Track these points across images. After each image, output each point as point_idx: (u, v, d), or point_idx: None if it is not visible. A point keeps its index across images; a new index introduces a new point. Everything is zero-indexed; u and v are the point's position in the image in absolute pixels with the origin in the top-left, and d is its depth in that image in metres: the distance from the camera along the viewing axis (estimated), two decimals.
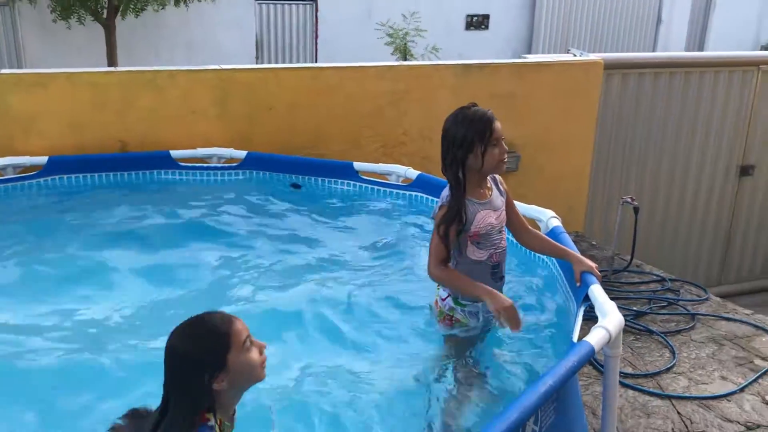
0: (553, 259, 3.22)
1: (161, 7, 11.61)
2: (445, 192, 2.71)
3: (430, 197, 4.14)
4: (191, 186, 4.57)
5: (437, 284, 2.82)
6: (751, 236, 6.90)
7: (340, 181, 4.55)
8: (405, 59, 14.76)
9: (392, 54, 14.94)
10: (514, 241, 3.05)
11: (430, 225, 2.87)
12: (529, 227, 2.97)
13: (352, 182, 4.51)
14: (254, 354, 1.91)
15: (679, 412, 3.33)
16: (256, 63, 15.20)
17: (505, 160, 2.70)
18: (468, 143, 2.60)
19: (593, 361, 3.56)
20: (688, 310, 4.40)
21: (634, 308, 4.40)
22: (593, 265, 2.79)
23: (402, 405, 2.59)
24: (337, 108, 5.00)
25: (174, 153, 4.62)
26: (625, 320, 4.06)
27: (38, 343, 2.90)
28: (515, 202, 3.00)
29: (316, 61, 15.84)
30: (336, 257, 3.76)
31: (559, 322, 2.88)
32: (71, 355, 2.81)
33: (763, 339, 4.06)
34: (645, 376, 3.63)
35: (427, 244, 2.76)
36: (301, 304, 3.22)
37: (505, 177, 5.25)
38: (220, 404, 1.89)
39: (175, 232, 4.02)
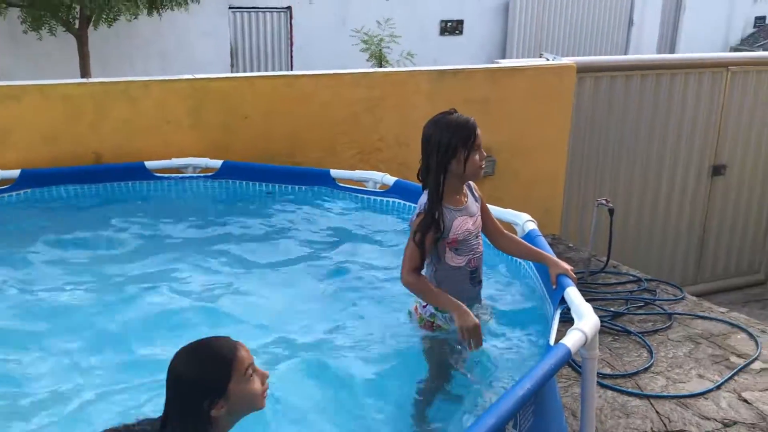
0: (530, 262, 3.24)
1: (134, 17, 11.52)
2: (423, 199, 2.72)
3: (408, 203, 4.15)
4: (166, 196, 4.54)
5: None
6: (725, 234, 7.00)
7: (317, 188, 4.55)
8: (380, 65, 14.80)
9: (368, 60, 14.98)
10: (490, 245, 3.06)
11: (407, 231, 2.88)
12: (504, 231, 3.00)
13: (329, 189, 4.51)
14: (256, 383, 1.91)
15: (657, 412, 3.36)
16: (231, 71, 15.16)
17: (484, 166, 2.73)
18: (452, 148, 2.62)
19: (572, 362, 3.59)
20: (664, 310, 4.45)
21: (612, 309, 4.44)
22: (569, 267, 2.82)
23: (380, 406, 2.60)
24: (313, 115, 5.00)
25: (149, 164, 4.59)
26: (603, 321, 4.15)
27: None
28: (491, 206, 3.03)
29: (291, 69, 15.83)
30: (312, 265, 3.76)
31: (537, 325, 2.90)
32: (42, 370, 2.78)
33: (738, 336, 4.12)
34: (624, 376, 3.66)
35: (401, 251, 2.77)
36: (278, 311, 3.21)
37: (481, 181, 5.27)
38: (215, 429, 1.88)
39: (150, 242, 3.99)
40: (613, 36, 18.85)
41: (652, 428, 3.24)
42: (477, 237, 2.82)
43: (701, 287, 6.78)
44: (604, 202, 4.81)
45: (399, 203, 4.29)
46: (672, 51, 19.93)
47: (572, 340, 2.26)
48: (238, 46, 15.81)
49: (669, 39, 20.36)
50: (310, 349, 2.93)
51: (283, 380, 2.52)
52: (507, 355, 2.74)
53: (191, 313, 3.17)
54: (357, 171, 4.60)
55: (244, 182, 4.61)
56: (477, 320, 2.59)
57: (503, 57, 17.20)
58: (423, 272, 2.72)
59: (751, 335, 4.10)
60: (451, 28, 17.41)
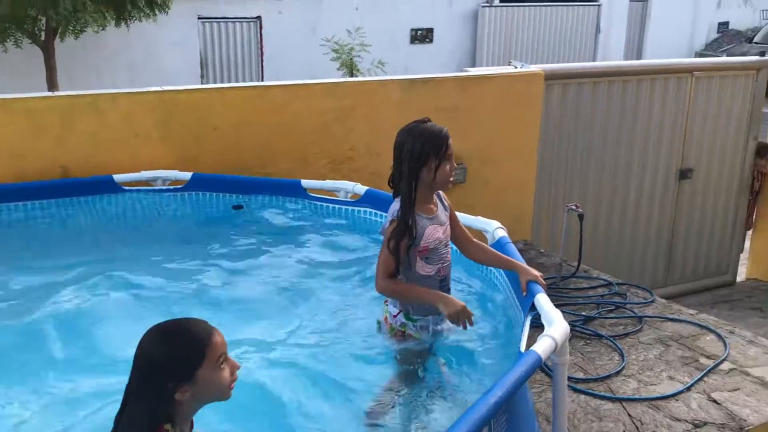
0: (500, 269, 3.26)
1: (101, 28, 11.41)
2: (394, 206, 2.74)
3: (379, 212, 4.16)
4: (136, 209, 4.50)
5: (386, 300, 2.84)
6: (693, 237, 7.11)
7: (288, 199, 4.54)
8: (352, 74, 14.85)
9: (338, 69, 15.01)
10: (460, 253, 3.09)
11: (379, 240, 2.89)
12: (474, 240, 3.03)
13: (300, 200, 4.50)
14: (225, 373, 1.85)
15: (629, 414, 3.40)
16: (201, 82, 15.10)
17: (454, 176, 2.77)
18: (424, 156, 2.66)
19: (544, 368, 3.62)
20: (635, 313, 4.50)
21: (583, 313, 4.48)
22: (538, 274, 2.84)
23: (347, 417, 2.60)
24: (284, 126, 4.99)
25: (117, 177, 4.54)
26: (575, 325, 4.19)
27: None
28: (462, 214, 3.05)
29: (262, 78, 15.81)
30: (281, 275, 3.76)
31: (507, 332, 2.92)
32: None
33: (707, 338, 4.18)
34: (596, 380, 3.69)
35: (376, 260, 2.77)
36: (249, 324, 3.20)
37: (453, 189, 5.30)
38: (177, 413, 1.82)
39: (118, 256, 3.95)
40: (581, 43, 19.12)
41: (624, 431, 3.27)
42: (446, 246, 2.85)
43: (671, 290, 6.87)
44: (573, 207, 4.85)
45: (370, 212, 4.30)
46: (639, 57, 20.27)
47: (542, 346, 2.28)
48: (207, 56, 15.75)
49: (636, 45, 20.70)
50: (276, 358, 2.92)
51: (246, 387, 2.51)
52: (478, 363, 2.76)
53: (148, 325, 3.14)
54: (328, 181, 4.60)
55: (214, 194, 4.59)
56: (461, 302, 2.66)
57: (473, 64, 17.35)
58: None
59: (719, 336, 4.16)
60: (421, 36, 17.53)
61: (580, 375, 3.74)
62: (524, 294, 2.78)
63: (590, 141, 6.29)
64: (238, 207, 4.60)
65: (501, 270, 3.23)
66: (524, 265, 2.90)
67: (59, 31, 11.03)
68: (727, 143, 6.97)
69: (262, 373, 2.76)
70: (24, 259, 3.90)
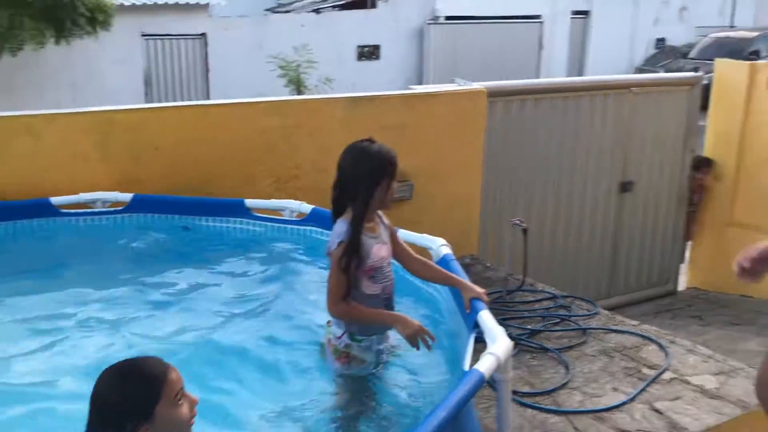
0: (444, 287, 3.28)
1: (40, 46, 11.14)
2: (340, 227, 2.74)
3: (326, 230, 4.14)
4: (74, 233, 4.38)
5: (329, 321, 2.83)
6: (635, 248, 7.28)
7: (231, 219, 4.48)
8: (299, 91, 14.83)
9: (286, 86, 14.97)
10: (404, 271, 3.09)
11: (324, 259, 2.87)
12: (416, 256, 3.05)
13: (243, 220, 4.45)
14: (184, 409, 1.83)
15: (575, 427, 3.43)
16: (146, 99, 14.89)
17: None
18: (376, 176, 2.69)
19: (491, 384, 3.63)
20: (579, 325, 4.57)
21: (529, 327, 4.52)
22: (482, 291, 2.87)
23: None
24: (228, 145, 4.94)
25: (54, 200, 4.42)
26: (521, 339, 4.23)
27: None
28: (408, 231, 3.08)
29: (208, 95, 15.67)
30: (223, 297, 3.70)
31: (452, 350, 2.93)
32: None
33: (650, 348, 4.27)
34: (542, 393, 3.72)
35: (322, 281, 2.76)
36: (189, 349, 3.13)
37: (400, 206, 5.32)
38: None
39: (57, 282, 3.84)
40: (525, 59, 19.50)
41: None
42: (389, 264, 2.87)
43: (615, 300, 7.00)
44: (518, 222, 4.92)
45: (316, 231, 4.27)
46: (581, 72, 20.79)
47: (485, 365, 2.29)
48: (152, 73, 15.53)
49: (578, 61, 21.22)
50: (217, 385, 2.86)
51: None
52: (422, 383, 2.76)
53: (98, 351, 3.05)
54: (272, 200, 4.56)
55: (156, 215, 4.50)
56: (417, 322, 2.69)
57: (420, 80, 17.52)
58: None
59: (661, 346, 4.25)
60: (368, 53, 17.64)
61: (527, 389, 3.76)
62: (467, 311, 2.79)
63: (534, 156, 6.39)
64: (185, 228, 4.53)
65: (443, 287, 3.25)
66: (467, 282, 2.93)
67: None
68: (666, 157, 7.17)
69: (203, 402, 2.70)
70: None
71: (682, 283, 7.79)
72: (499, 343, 2.43)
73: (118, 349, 3.12)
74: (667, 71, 18.22)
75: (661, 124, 7.02)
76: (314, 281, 3.67)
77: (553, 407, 3.58)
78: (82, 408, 1.80)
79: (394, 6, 17.77)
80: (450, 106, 5.72)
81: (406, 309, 3.34)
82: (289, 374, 2.92)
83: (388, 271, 2.84)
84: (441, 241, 3.46)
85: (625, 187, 6.98)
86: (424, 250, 3.37)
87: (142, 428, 1.76)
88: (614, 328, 4.53)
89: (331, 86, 14.61)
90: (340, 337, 2.78)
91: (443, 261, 3.24)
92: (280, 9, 20.07)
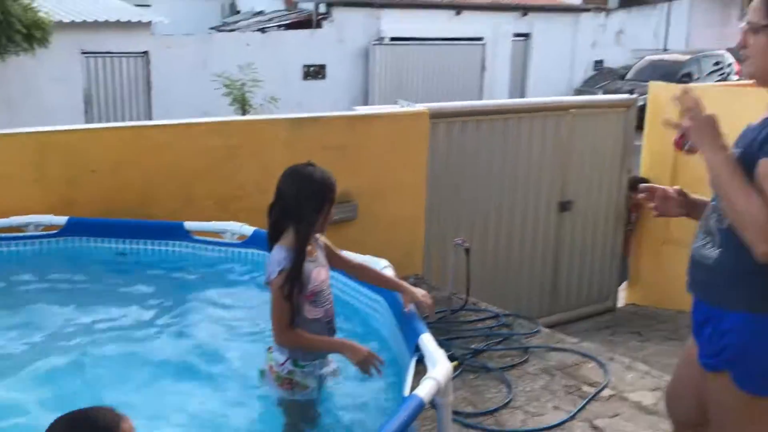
0: (386, 310, 3.28)
1: None
2: (278, 254, 2.72)
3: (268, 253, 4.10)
4: (4, 258, 4.23)
5: (270, 348, 2.79)
6: (575, 266, 7.42)
7: (170, 242, 4.40)
8: (244, 110, 14.72)
9: (230, 105, 14.84)
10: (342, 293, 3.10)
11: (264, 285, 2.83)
12: (354, 261, 3.12)
13: (182, 243, 4.37)
14: None
15: None
16: (86, 118, 14.55)
17: None
18: (320, 202, 2.70)
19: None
20: (521, 344, 4.63)
21: (473, 346, 4.56)
22: (422, 292, 2.93)
23: None
24: (167, 166, 4.86)
25: None
26: (464, 359, 4.25)
27: None
28: (352, 253, 3.10)
29: (150, 114, 15.41)
30: (159, 323, 3.62)
31: (393, 374, 2.93)
32: None
33: (589, 366, 4.35)
34: (485, 414, 3.75)
35: (263, 303, 2.73)
36: (128, 378, 3.05)
37: (344, 226, 5.31)
38: None
39: None
40: (468, 80, 19.80)
41: None
42: (329, 287, 2.87)
43: (556, 317, 7.12)
44: (460, 242, 4.97)
45: (257, 253, 4.23)
46: (522, 93, 21.23)
47: (425, 389, 2.29)
48: (92, 92, 15.20)
49: (519, 82, 21.68)
50: (155, 416, 2.79)
51: None
52: (364, 409, 2.75)
53: (25, 385, 2.94)
54: (213, 222, 4.50)
55: (91, 239, 4.38)
56: (365, 348, 2.70)
57: (366, 100, 17.61)
58: None
59: (600, 363, 4.34)
60: (314, 72, 17.66)
61: (470, 409, 3.78)
62: (406, 310, 2.87)
63: (476, 176, 6.47)
64: (122, 254, 4.42)
65: (383, 311, 3.26)
66: (408, 285, 3.01)
67: None
68: (604, 176, 7.35)
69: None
70: None
71: (622, 300, 7.97)
72: (440, 366, 2.44)
73: (45, 380, 3.02)
74: (605, 92, 18.77)
75: (598, 144, 7.20)
76: (254, 306, 3.63)
77: (495, 427, 3.61)
78: None
79: (339, 26, 17.86)
80: (392, 127, 5.77)
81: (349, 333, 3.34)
82: (231, 402, 2.87)
83: (328, 294, 2.84)
84: (384, 262, 3.47)
85: (565, 206, 7.12)
86: None
87: None
88: (555, 346, 4.60)
89: (276, 105, 14.54)
90: (282, 364, 2.75)
91: None
92: (224, 28, 19.96)
